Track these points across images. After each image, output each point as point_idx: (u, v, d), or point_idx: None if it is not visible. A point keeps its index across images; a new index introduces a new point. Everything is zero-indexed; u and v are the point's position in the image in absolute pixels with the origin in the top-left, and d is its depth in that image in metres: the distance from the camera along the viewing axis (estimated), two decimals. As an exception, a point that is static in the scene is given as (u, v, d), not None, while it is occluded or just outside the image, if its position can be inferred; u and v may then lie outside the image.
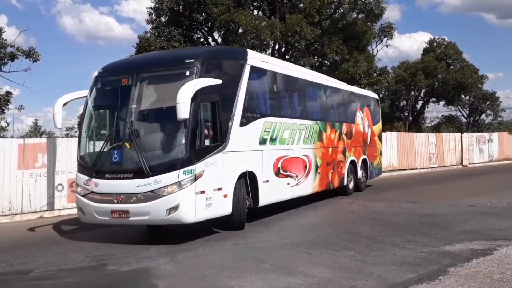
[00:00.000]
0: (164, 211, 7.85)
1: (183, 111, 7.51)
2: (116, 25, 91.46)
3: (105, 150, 8.46)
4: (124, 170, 8.13)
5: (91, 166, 8.51)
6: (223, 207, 8.71)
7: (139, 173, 7.96)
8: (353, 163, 15.10)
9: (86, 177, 8.46)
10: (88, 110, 9.05)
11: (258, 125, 10.08)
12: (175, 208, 7.85)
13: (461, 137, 30.10)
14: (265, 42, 22.97)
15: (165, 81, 8.61)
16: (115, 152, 8.25)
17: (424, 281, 5.58)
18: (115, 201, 8.07)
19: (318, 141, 12.85)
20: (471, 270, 6.01)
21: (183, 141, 8.01)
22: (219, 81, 8.62)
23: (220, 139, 8.71)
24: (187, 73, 8.25)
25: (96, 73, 9.30)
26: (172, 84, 8.23)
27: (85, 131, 9.04)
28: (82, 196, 8.52)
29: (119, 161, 8.18)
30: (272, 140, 10.64)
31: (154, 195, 7.88)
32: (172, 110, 7.65)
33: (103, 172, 8.33)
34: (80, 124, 9.21)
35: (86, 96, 9.11)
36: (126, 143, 8.21)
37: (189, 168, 7.96)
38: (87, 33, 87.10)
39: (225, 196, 8.76)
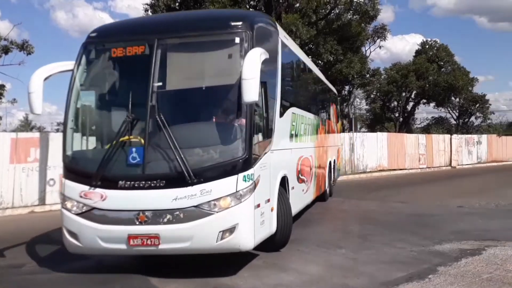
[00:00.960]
0: (215, 235, 5.54)
1: (253, 90, 5.29)
2: (110, 21, 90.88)
3: (115, 146, 5.80)
4: (151, 176, 5.62)
5: (94, 171, 5.81)
6: (271, 223, 6.56)
7: (176, 180, 5.56)
8: (330, 164, 13.28)
9: (85, 187, 5.80)
10: (75, 90, 6.28)
11: (288, 117, 8.00)
12: (231, 229, 5.57)
13: (451, 138, 30.37)
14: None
15: (204, 49, 6.13)
16: (134, 149, 5.68)
17: (414, 279, 5.66)
18: (137, 222, 5.59)
19: (316, 139, 11.14)
20: (460, 269, 6.10)
21: (240, 135, 5.71)
22: (267, 54, 6.04)
23: (267, 133, 6.47)
24: (236, 39, 5.90)
25: (86, 38, 6.47)
26: (214, 54, 6.12)
27: (72, 121, 6.26)
28: (77, 214, 5.86)
29: (141, 163, 5.63)
30: (295, 136, 8.61)
31: (200, 211, 5.53)
32: (219, 90, 5.99)
33: (114, 179, 5.68)
34: (65, 112, 6.30)
35: (72, 70, 6.34)
36: (148, 137, 5.69)
37: (249, 172, 5.67)
38: (81, 28, 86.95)
39: (272, 209, 6.56)
